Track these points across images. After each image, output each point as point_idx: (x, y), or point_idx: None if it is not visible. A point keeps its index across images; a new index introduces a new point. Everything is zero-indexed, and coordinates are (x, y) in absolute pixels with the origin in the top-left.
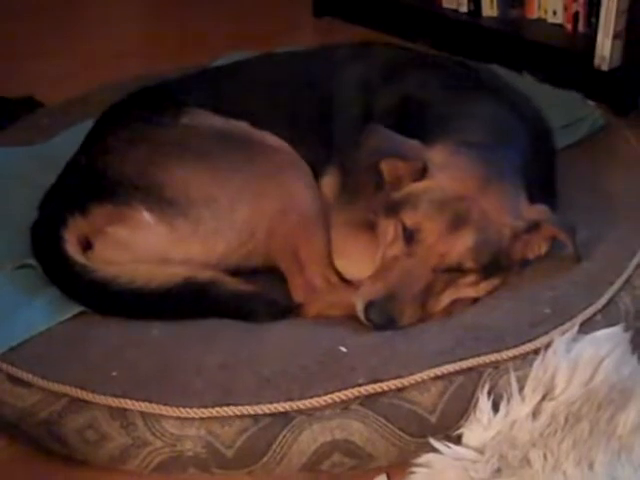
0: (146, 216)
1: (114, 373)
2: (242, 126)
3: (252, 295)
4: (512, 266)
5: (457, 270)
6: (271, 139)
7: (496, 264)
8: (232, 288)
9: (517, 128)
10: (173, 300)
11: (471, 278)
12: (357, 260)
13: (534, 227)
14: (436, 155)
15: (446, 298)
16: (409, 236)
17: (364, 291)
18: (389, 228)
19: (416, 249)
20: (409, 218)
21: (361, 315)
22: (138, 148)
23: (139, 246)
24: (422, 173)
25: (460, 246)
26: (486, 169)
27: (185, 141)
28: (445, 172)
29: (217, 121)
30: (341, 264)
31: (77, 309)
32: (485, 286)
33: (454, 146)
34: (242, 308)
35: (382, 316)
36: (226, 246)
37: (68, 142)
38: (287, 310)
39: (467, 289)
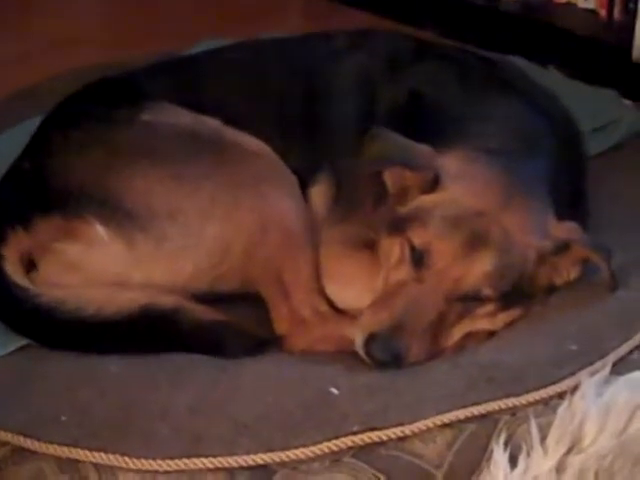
0: (100, 230)
1: (63, 417)
2: (214, 124)
3: (221, 325)
4: (536, 294)
5: (473, 298)
6: (248, 140)
7: (518, 292)
8: (198, 317)
9: (543, 132)
10: (128, 331)
11: (488, 308)
12: (353, 286)
13: (563, 248)
14: (450, 163)
15: (459, 331)
16: (418, 258)
17: (364, 322)
18: (393, 248)
19: (426, 273)
20: (418, 237)
21: (360, 350)
22: (91, 150)
23: (92, 266)
24: (433, 184)
25: (477, 270)
26: (508, 180)
27: (146, 142)
28: (460, 183)
29: (184, 117)
30: (333, 290)
31: (20, 342)
32: (504, 317)
33: (471, 153)
34: (209, 341)
35: (386, 352)
36: (194, 267)
37: (12, 143)
38: (263, 343)
39: (483, 321)
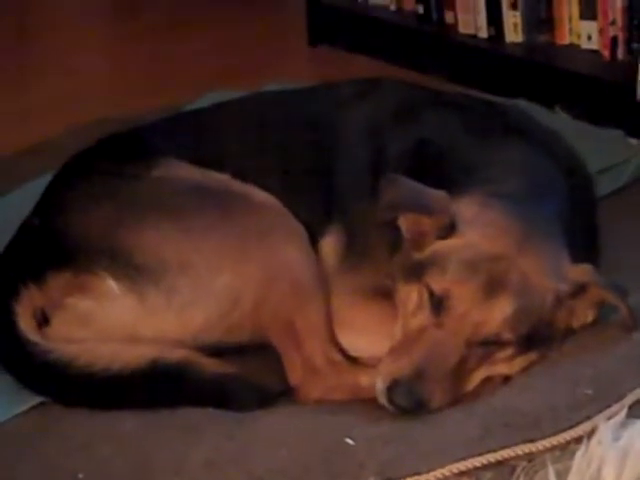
0: (111, 285)
1: (80, 475)
2: (222, 179)
3: (230, 379)
4: (554, 337)
5: (493, 343)
6: (256, 194)
7: (536, 336)
8: (207, 371)
9: (553, 176)
10: (137, 386)
11: (507, 352)
12: (367, 334)
13: (580, 291)
14: (465, 208)
15: (478, 376)
16: (437, 303)
17: (385, 369)
18: (411, 294)
19: (446, 319)
20: (436, 282)
21: (382, 398)
22: (101, 206)
23: (103, 320)
24: (449, 229)
25: (497, 315)
26: (523, 224)
27: (156, 197)
28: (476, 228)
29: (194, 173)
30: (347, 339)
31: (36, 400)
32: (520, 362)
33: (485, 197)
34: (218, 394)
35: (409, 398)
36: (205, 319)
37: (21, 201)
38: (273, 396)
39: (501, 365)
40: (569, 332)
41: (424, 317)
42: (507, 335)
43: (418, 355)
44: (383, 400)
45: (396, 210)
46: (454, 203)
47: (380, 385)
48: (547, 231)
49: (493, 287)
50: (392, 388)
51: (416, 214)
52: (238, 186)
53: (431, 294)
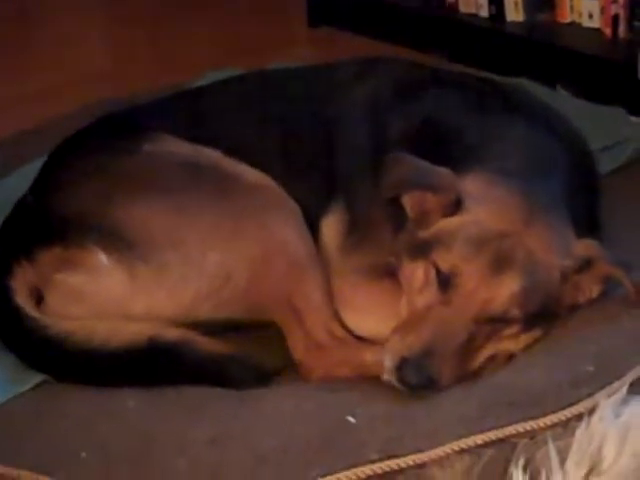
0: (102, 258)
1: (83, 454)
2: (214, 156)
3: (230, 357)
4: (560, 313)
5: (501, 320)
6: (248, 172)
7: (543, 312)
8: (204, 349)
9: (556, 153)
10: (135, 363)
11: (513, 329)
12: (371, 313)
13: (585, 266)
14: (470, 185)
15: (485, 353)
16: (444, 281)
17: (393, 346)
18: (417, 272)
19: (453, 296)
20: (443, 260)
21: (391, 375)
22: (91, 181)
23: (94, 295)
24: (455, 207)
25: (505, 292)
26: (528, 201)
27: (147, 172)
28: (482, 205)
29: (186, 148)
30: (352, 319)
31: (39, 378)
32: (525, 339)
33: (490, 175)
34: (218, 373)
35: (419, 376)
36: (194, 294)
37: (22, 182)
38: (273, 374)
39: (507, 342)
40: (574, 308)
41: (431, 295)
42: (514, 312)
43: (426, 333)
44: (392, 378)
45: (401, 188)
46: (459, 180)
47: (388, 363)
48: (552, 207)
49: (500, 264)
50: (401, 366)
51: (421, 192)
52: (230, 163)
53: (438, 272)
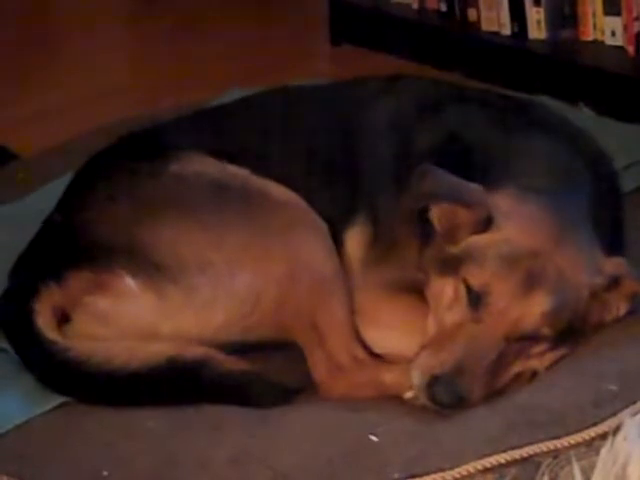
0: (130, 283)
1: (105, 472)
2: (241, 174)
3: (248, 376)
4: (587, 331)
5: (531, 338)
6: (277, 189)
7: (571, 330)
8: (225, 368)
9: (580, 170)
10: (157, 384)
11: (541, 347)
12: (394, 330)
13: (613, 284)
14: (501, 202)
15: (513, 371)
16: (475, 298)
17: (424, 364)
18: (446, 288)
19: (484, 314)
20: (475, 278)
21: (422, 393)
22: (119, 203)
23: (122, 318)
24: (486, 223)
25: (536, 310)
26: (557, 219)
27: (174, 194)
28: (513, 222)
29: (212, 167)
30: (373, 335)
31: (60, 399)
32: (551, 357)
33: (520, 192)
34: (239, 392)
35: (452, 394)
36: (225, 317)
37: (47, 200)
38: (295, 393)
39: (533, 360)
40: (601, 326)
41: (460, 312)
42: (545, 331)
43: (458, 350)
44: (422, 396)
45: (432, 200)
46: (490, 196)
47: (419, 381)
48: (580, 225)
49: (532, 282)
50: (432, 384)
51: (453, 205)
52: (258, 182)
53: (468, 289)
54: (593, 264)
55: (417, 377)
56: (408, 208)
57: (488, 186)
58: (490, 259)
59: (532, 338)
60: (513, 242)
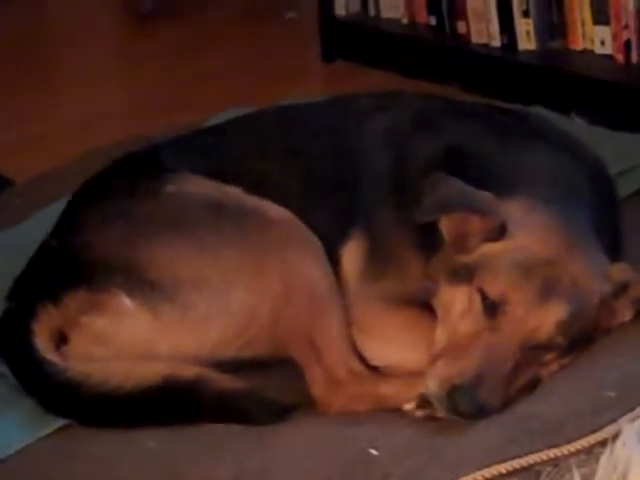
0: (126, 302)
1: None
2: (235, 193)
3: (245, 394)
4: (594, 339)
5: (545, 347)
6: (270, 208)
7: (581, 337)
8: (220, 386)
9: (581, 179)
10: (152, 404)
11: (551, 356)
12: (394, 342)
13: (620, 290)
14: (514, 210)
15: (524, 380)
16: (490, 307)
17: (441, 374)
18: (459, 297)
19: (501, 323)
20: (491, 286)
21: (440, 403)
22: (114, 224)
23: (119, 338)
24: (500, 231)
25: (552, 319)
26: (567, 227)
27: (169, 214)
28: (526, 231)
29: (206, 187)
30: (371, 347)
31: (60, 422)
32: (558, 364)
33: (530, 201)
34: (232, 410)
35: (472, 404)
36: (220, 335)
37: (42, 226)
38: (290, 409)
39: (543, 368)
40: (607, 332)
41: (476, 320)
42: (559, 339)
43: (477, 359)
44: (440, 406)
45: (446, 208)
46: (503, 205)
47: (437, 391)
48: (586, 232)
49: (548, 291)
50: (452, 394)
51: (465, 214)
52: (252, 200)
53: (484, 297)
54: (601, 271)
55: (435, 387)
56: (421, 220)
57: (496, 196)
58: (506, 267)
59: (545, 347)
60: (528, 250)
